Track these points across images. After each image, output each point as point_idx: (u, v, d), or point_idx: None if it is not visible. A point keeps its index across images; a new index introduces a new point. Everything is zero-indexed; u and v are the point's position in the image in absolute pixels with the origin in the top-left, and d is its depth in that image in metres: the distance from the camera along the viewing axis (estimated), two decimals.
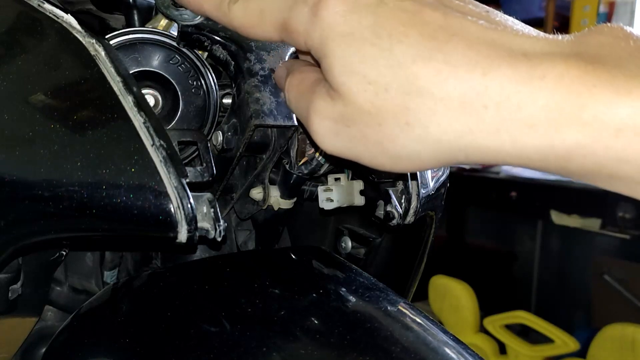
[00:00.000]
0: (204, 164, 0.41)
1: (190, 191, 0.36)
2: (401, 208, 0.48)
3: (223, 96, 0.49)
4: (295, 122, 0.44)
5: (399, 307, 0.43)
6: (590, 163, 0.27)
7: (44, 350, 0.52)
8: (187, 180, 0.37)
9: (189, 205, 0.36)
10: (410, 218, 0.48)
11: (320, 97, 0.32)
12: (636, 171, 0.26)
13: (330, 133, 0.32)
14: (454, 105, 0.28)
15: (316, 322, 0.40)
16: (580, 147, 0.26)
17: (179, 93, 0.46)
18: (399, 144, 0.30)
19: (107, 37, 0.43)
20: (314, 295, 0.42)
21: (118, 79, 0.39)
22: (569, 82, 0.26)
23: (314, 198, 0.54)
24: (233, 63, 0.45)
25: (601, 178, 0.28)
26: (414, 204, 0.48)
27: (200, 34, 0.44)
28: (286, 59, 0.46)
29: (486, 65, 0.27)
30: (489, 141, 0.28)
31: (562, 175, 0.29)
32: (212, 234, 0.37)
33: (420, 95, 0.28)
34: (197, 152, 0.47)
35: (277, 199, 0.51)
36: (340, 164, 0.51)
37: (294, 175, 0.49)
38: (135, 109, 0.38)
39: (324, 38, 0.30)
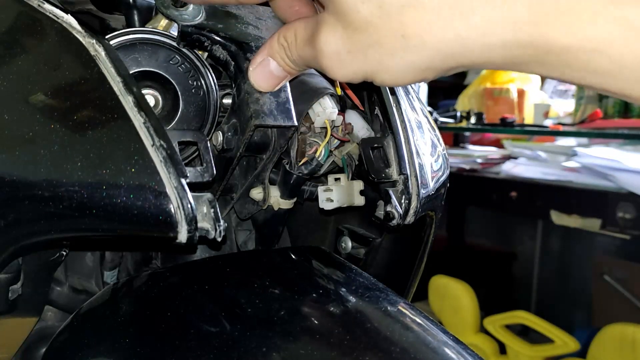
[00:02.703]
0: (204, 164, 0.41)
1: (190, 191, 0.36)
2: (401, 208, 0.48)
3: (223, 96, 0.49)
4: (295, 122, 0.44)
5: (399, 307, 0.43)
6: (560, 57, 0.30)
7: (44, 350, 0.51)
8: (187, 180, 0.37)
9: (189, 206, 0.36)
10: (410, 218, 0.48)
11: (324, 32, 0.35)
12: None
13: (344, 52, 0.34)
14: (444, 13, 0.30)
15: (316, 322, 0.40)
16: (554, 40, 0.29)
17: (179, 93, 0.46)
18: (398, 56, 0.32)
19: (107, 37, 0.43)
20: (314, 295, 0.42)
21: (118, 79, 0.39)
22: None
23: (314, 198, 0.54)
24: (233, 63, 0.45)
25: (577, 71, 0.31)
26: (414, 204, 0.48)
27: (200, 34, 0.44)
28: None
29: None
30: (479, 44, 0.30)
31: (542, 74, 0.32)
32: (212, 234, 0.37)
33: (413, 8, 0.31)
34: (197, 152, 0.47)
35: (277, 199, 0.51)
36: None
37: (294, 176, 0.49)
38: (135, 109, 0.38)
39: None
